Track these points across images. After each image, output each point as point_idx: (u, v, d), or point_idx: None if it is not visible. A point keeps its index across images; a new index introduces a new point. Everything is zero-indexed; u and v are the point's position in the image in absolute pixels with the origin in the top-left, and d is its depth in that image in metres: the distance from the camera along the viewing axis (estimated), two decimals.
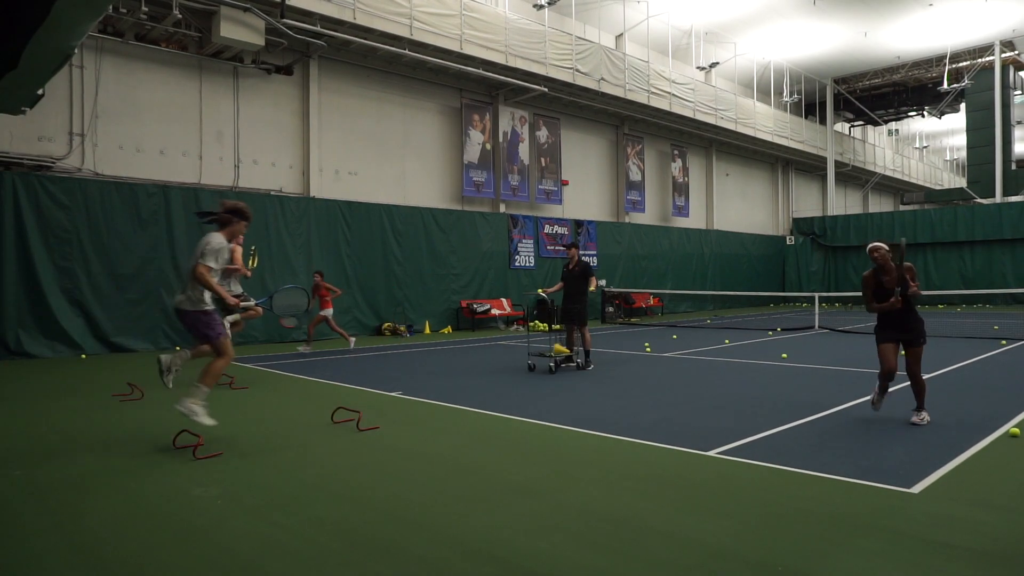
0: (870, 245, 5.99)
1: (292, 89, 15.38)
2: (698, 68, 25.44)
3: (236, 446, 5.37)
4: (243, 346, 13.39)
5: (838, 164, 32.55)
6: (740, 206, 29.57)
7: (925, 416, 5.98)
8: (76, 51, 6.06)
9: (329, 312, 12.34)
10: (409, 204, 17.05)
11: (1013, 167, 30.09)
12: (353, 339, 12.93)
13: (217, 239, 5.29)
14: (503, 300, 18.57)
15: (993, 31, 26.41)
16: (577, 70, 19.28)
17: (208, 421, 5.31)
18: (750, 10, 23.23)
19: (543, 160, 20.37)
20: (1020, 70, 30.94)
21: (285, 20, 13.66)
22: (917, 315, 6.00)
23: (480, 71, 17.36)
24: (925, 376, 8.66)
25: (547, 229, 20.17)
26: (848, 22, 24.72)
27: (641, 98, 21.41)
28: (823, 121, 31.88)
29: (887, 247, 5.95)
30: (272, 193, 14.73)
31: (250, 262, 8.44)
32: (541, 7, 19.43)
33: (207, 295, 5.33)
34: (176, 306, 5.42)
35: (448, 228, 17.46)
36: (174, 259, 12.98)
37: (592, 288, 10.05)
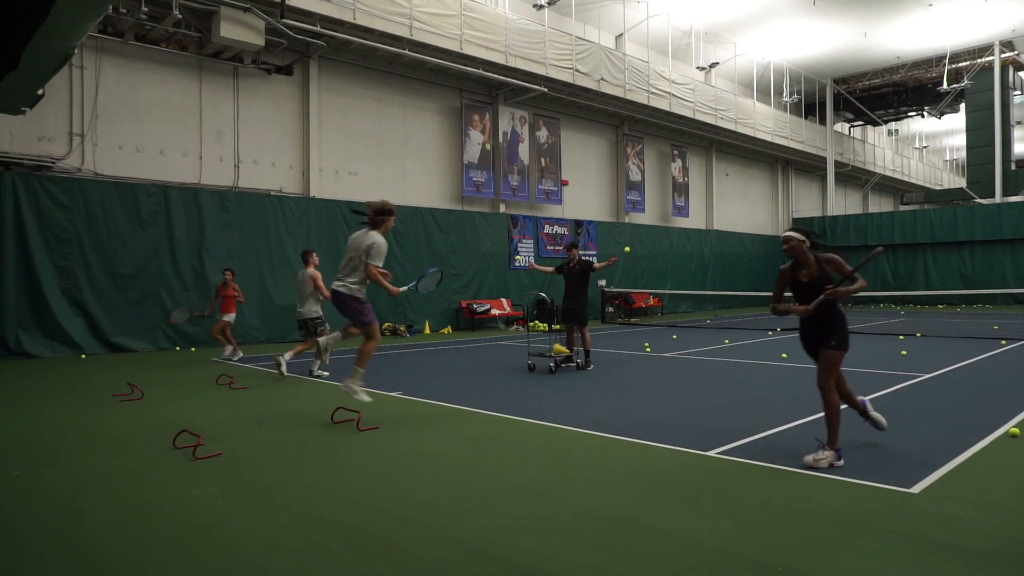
0: (783, 234, 4.89)
1: (292, 89, 15.38)
2: (698, 68, 25.44)
3: (236, 446, 5.37)
4: (242, 346, 13.39)
5: (838, 164, 32.56)
6: (740, 206, 29.57)
7: (828, 456, 4.59)
8: (76, 51, 6.06)
9: (232, 317, 11.46)
10: (409, 204, 17.05)
11: (1013, 167, 30.09)
12: (240, 353, 11.53)
13: (380, 240, 6.03)
14: (503, 300, 18.57)
15: (993, 31, 26.41)
16: (577, 70, 19.29)
17: (366, 398, 6.11)
18: (750, 10, 23.23)
19: (543, 160, 20.37)
20: (1020, 70, 30.94)
21: (285, 20, 13.66)
22: (836, 313, 4.82)
23: (480, 71, 17.36)
24: (925, 376, 8.68)
25: (547, 229, 20.17)
26: (848, 22, 24.72)
27: (641, 98, 21.41)
28: (823, 121, 31.88)
29: (800, 235, 4.82)
30: (272, 193, 14.73)
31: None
32: (541, 7, 19.43)
33: (363, 287, 6.12)
34: (334, 289, 6.24)
35: (448, 228, 17.46)
36: (174, 259, 12.99)
37: (599, 267, 10.00)
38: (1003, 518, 3.66)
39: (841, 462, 4.63)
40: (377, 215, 6.11)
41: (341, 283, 6.18)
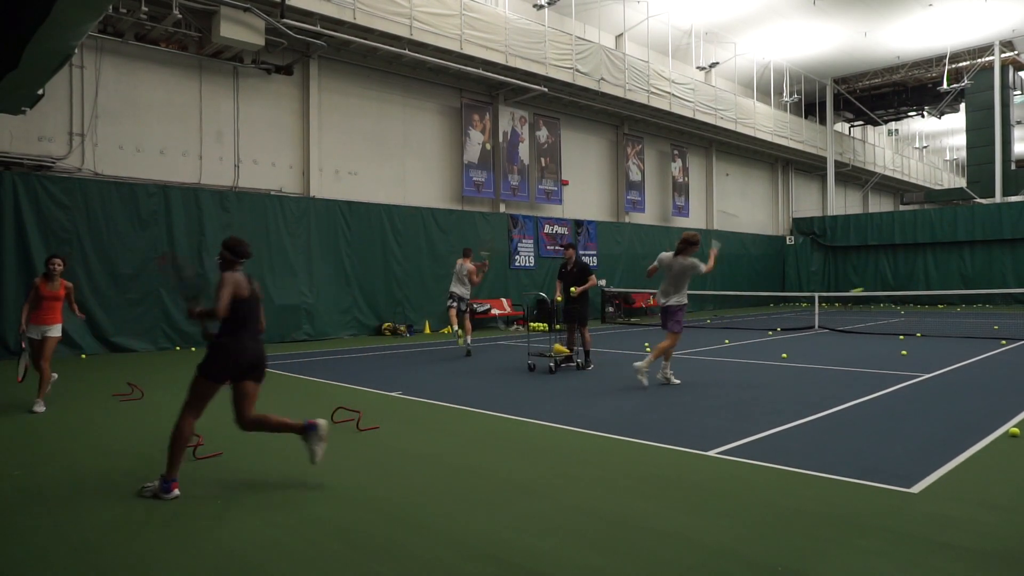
0: None
1: (292, 89, 15.38)
2: (698, 68, 25.43)
3: (236, 446, 5.37)
4: None
5: (838, 164, 32.55)
6: (740, 206, 29.55)
7: (153, 486, 4.17)
8: (76, 51, 6.07)
9: (59, 331, 7.17)
10: (409, 204, 17.04)
11: (1013, 167, 30.08)
12: (55, 375, 7.43)
13: (696, 262, 8.22)
14: (503, 300, 18.56)
15: (993, 31, 26.40)
16: (577, 70, 19.28)
17: (676, 381, 8.20)
18: (750, 10, 23.23)
19: (543, 160, 20.37)
20: (1020, 70, 30.93)
21: (285, 20, 13.66)
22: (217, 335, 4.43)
23: (480, 71, 17.35)
24: (925, 376, 8.68)
25: (547, 229, 20.16)
26: (848, 22, 24.72)
27: (641, 98, 21.40)
28: (823, 121, 31.87)
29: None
30: (272, 193, 14.73)
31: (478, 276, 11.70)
32: (541, 7, 19.42)
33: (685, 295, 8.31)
34: (664, 303, 8.33)
35: (448, 228, 17.45)
36: (174, 259, 12.97)
37: (592, 285, 9.95)
38: (1003, 518, 3.67)
39: (172, 495, 4.12)
40: (688, 244, 8.16)
41: (671, 300, 8.28)
